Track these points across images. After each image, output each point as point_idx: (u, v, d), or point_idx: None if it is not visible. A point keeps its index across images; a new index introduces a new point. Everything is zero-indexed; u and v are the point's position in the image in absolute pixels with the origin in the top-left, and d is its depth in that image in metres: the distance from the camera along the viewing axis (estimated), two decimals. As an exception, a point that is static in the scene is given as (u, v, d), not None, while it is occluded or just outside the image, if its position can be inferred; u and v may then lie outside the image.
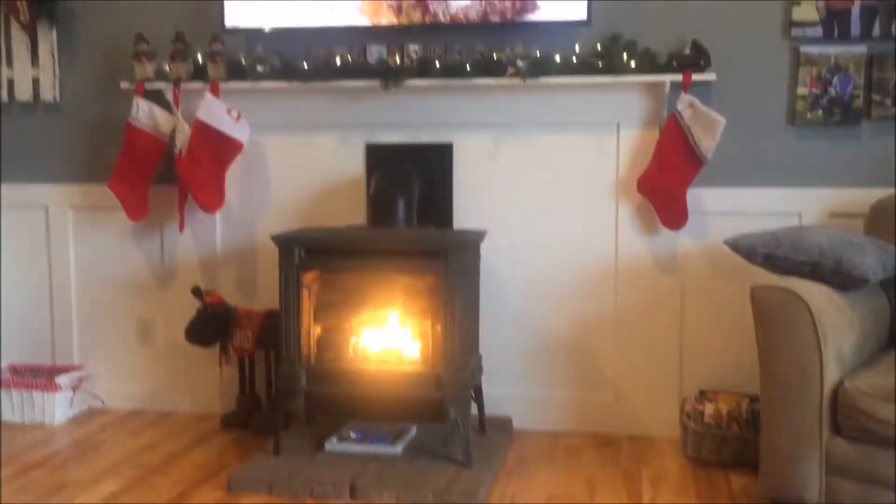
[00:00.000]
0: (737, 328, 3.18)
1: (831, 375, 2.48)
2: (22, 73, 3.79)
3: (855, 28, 3.20)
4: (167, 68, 3.51)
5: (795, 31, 3.24)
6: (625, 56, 3.22)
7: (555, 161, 3.42)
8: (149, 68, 3.52)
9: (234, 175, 3.61)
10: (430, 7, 3.36)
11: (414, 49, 3.40)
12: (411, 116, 3.46)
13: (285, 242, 3.09)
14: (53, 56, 3.75)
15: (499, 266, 3.45)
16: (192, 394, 3.73)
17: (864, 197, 3.13)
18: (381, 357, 3.20)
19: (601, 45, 3.26)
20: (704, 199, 3.33)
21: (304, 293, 3.09)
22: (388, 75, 3.35)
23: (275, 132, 3.59)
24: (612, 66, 3.23)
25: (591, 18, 3.26)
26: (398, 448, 3.10)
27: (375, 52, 3.43)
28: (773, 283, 2.58)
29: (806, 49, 3.24)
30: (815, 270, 2.67)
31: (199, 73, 3.51)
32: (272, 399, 3.49)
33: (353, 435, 3.18)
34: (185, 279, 3.67)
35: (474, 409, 3.24)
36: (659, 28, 3.30)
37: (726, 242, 2.86)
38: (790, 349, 2.49)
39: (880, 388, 2.42)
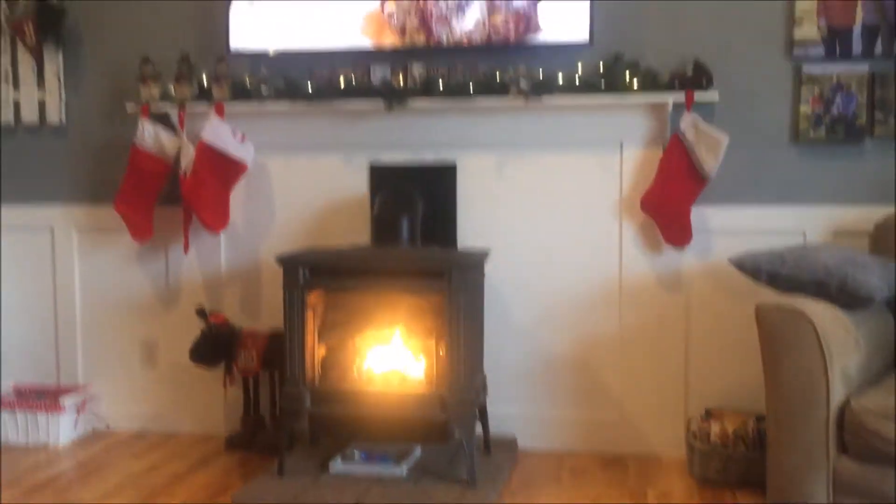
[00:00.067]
0: (742, 346, 3.18)
1: (837, 394, 2.47)
2: (28, 96, 3.82)
3: (857, 47, 3.21)
4: (172, 90, 3.53)
5: (797, 50, 3.25)
6: (627, 76, 3.24)
7: (558, 180, 3.43)
8: (154, 90, 3.54)
9: (238, 196, 3.62)
10: (434, 30, 3.38)
11: (417, 70, 3.42)
12: (415, 137, 3.48)
13: (290, 262, 3.09)
14: (59, 79, 3.78)
15: (503, 285, 3.45)
16: (196, 415, 3.73)
17: (869, 215, 3.13)
18: (386, 377, 3.19)
19: (603, 66, 3.28)
20: (708, 217, 3.33)
21: (309, 313, 3.10)
22: (392, 96, 3.37)
23: (279, 153, 3.60)
24: (615, 85, 3.24)
25: (594, 39, 3.28)
26: (403, 469, 3.08)
27: (379, 73, 3.45)
28: (778, 302, 2.57)
29: (808, 68, 3.25)
30: (820, 289, 2.66)
31: (204, 95, 3.53)
32: (276, 420, 3.48)
33: (357, 456, 3.17)
34: (189, 300, 3.67)
35: (479, 430, 3.23)
36: (661, 48, 3.31)
37: (731, 261, 2.86)
38: (796, 368, 2.48)
39: (887, 407, 2.41)
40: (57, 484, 3.21)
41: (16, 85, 3.82)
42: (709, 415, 3.23)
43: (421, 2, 3.38)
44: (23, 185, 3.85)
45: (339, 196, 3.57)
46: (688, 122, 3.23)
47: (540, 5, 3.31)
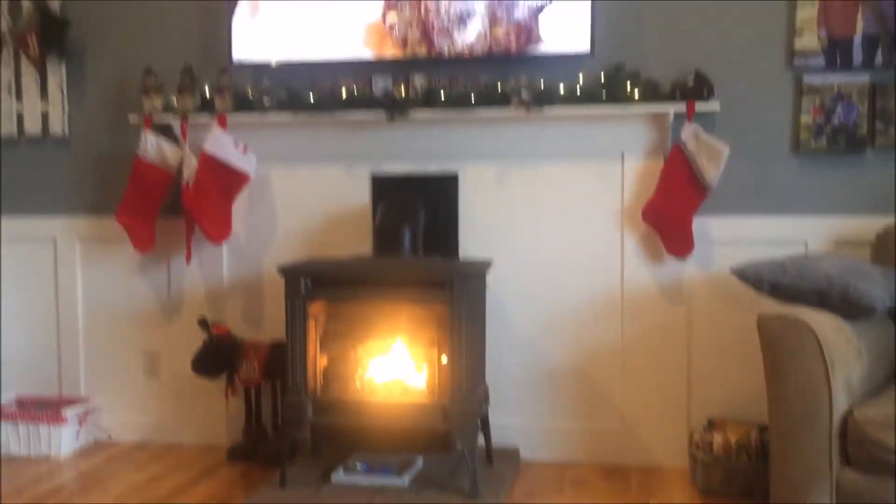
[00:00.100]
0: (744, 357, 3.17)
1: (840, 405, 2.46)
2: (31, 107, 3.83)
3: (857, 57, 3.22)
4: (175, 102, 3.55)
5: (798, 61, 3.26)
6: (628, 86, 3.24)
7: (560, 191, 3.43)
8: (157, 102, 3.55)
9: (240, 206, 3.63)
10: (436, 42, 3.39)
11: (419, 81, 3.43)
12: (417, 147, 3.48)
13: (292, 273, 3.10)
14: (62, 90, 3.79)
15: (505, 296, 3.45)
16: (198, 425, 3.72)
17: (870, 225, 3.13)
18: (387, 388, 3.19)
19: (604, 76, 3.29)
20: (710, 227, 3.33)
21: (311, 323, 3.10)
22: (394, 107, 3.38)
23: (281, 164, 3.61)
24: (616, 96, 3.25)
25: (595, 50, 3.29)
26: (405, 480, 3.08)
27: (381, 84, 3.46)
28: (780, 312, 2.57)
29: (809, 78, 3.26)
30: (822, 299, 2.66)
31: (206, 107, 3.54)
32: (278, 430, 3.47)
33: (359, 466, 3.16)
34: (191, 311, 3.67)
35: (481, 440, 3.23)
36: (662, 58, 3.32)
37: (733, 271, 2.86)
38: (798, 378, 2.47)
39: (890, 416, 2.40)
40: (58, 495, 3.20)
41: (19, 96, 3.84)
42: (711, 425, 3.23)
43: (423, 14, 3.40)
44: (26, 196, 3.86)
45: (340, 206, 3.57)
46: (689, 132, 3.23)
47: (541, 17, 3.32)
